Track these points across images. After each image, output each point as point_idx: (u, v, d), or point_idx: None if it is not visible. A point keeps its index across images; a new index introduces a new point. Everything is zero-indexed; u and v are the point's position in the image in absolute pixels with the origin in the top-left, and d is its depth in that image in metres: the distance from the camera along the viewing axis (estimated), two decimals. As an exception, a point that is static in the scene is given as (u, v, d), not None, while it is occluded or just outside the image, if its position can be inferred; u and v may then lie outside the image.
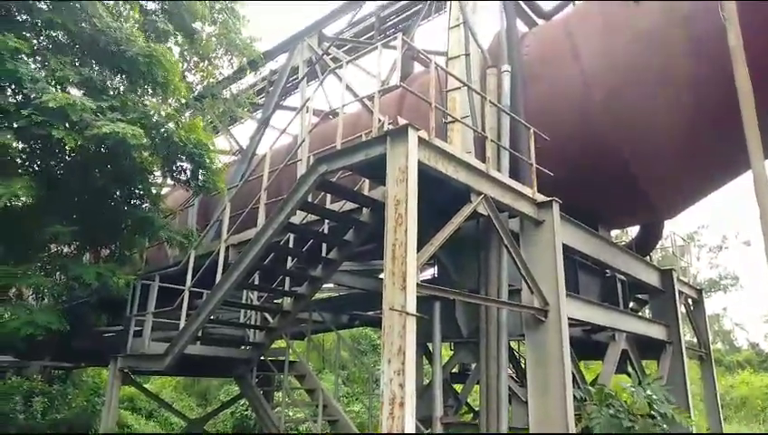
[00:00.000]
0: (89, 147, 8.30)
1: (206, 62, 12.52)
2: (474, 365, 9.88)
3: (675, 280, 10.30)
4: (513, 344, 10.30)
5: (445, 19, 9.50)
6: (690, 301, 12.11)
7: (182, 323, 8.30)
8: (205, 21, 11.37)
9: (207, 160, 9.76)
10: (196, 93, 12.65)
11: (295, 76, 12.97)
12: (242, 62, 12.67)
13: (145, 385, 16.33)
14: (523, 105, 8.36)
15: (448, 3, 9.33)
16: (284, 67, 12.88)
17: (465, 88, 7.97)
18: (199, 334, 8.78)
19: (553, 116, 8.33)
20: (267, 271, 8.84)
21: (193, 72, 12.76)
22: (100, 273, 8.97)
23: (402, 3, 12.55)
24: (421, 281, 5.47)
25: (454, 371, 11.20)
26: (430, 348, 7.60)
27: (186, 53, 11.87)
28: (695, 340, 12.85)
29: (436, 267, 8.60)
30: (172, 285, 9.25)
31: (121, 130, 7.77)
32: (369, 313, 13.07)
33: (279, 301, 9.81)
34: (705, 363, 12.20)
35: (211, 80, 12.98)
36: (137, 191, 10.14)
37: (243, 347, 9.99)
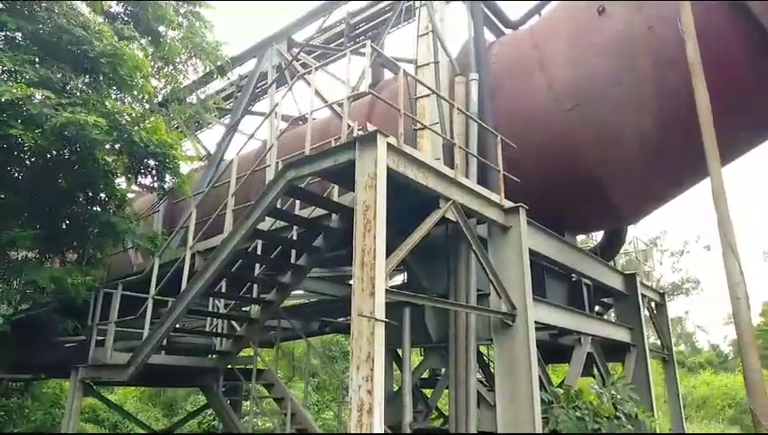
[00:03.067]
0: (49, 147, 8.03)
1: (171, 66, 12.30)
2: (443, 370, 9.92)
3: (638, 284, 10.57)
4: (483, 349, 10.39)
5: (414, 27, 9.59)
6: (653, 304, 12.44)
7: (146, 333, 8.10)
8: (170, 25, 11.19)
9: (172, 161, 9.55)
10: (160, 99, 12.41)
11: (264, 81, 12.87)
12: (208, 67, 12.49)
13: (108, 396, 15.85)
14: (491, 113, 8.49)
15: (417, 11, 9.41)
16: (253, 72, 12.76)
17: (434, 95, 8.05)
18: (164, 344, 8.58)
19: (521, 124, 8.47)
20: (234, 278, 8.71)
21: (157, 76, 12.52)
22: (56, 277, 8.64)
23: (372, 10, 12.62)
24: (391, 287, 5.48)
25: (424, 376, 11.22)
26: (400, 353, 7.59)
27: (150, 57, 11.64)
28: (658, 342, 13.22)
29: (405, 273, 8.62)
30: (136, 294, 9.01)
31: (81, 118, 7.51)
32: (340, 319, 13.00)
33: (247, 308, 9.66)
34: (667, 365, 12.53)
35: (176, 85, 12.76)
36: (101, 195, 9.86)
37: (209, 356, 9.80)
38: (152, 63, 11.88)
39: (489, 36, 10.39)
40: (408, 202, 5.99)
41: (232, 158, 8.84)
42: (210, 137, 63.79)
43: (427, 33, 9.02)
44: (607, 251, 11.27)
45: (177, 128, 14.26)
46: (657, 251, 35.43)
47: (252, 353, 10.48)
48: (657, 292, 12.84)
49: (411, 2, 9.80)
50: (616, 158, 8.33)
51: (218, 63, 12.20)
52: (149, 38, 10.93)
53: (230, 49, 12.50)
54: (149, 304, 8.25)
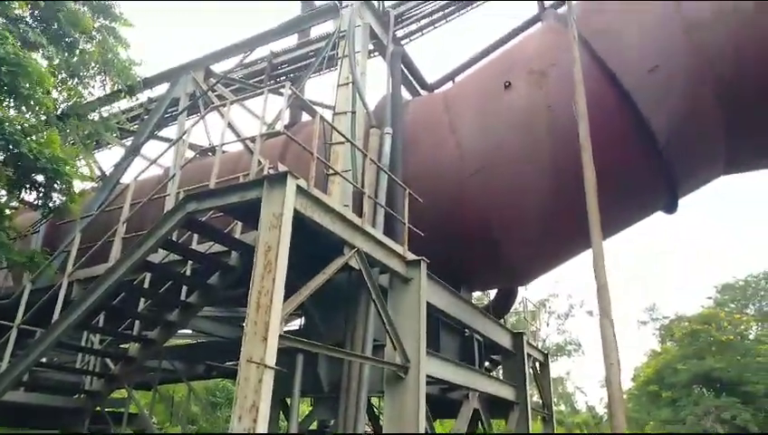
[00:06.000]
0: None
1: (76, 79, 11.53)
2: (333, 422, 9.64)
3: (525, 343, 11.07)
4: (375, 400, 10.27)
5: (335, 75, 9.80)
6: (538, 364, 13.05)
7: (4, 365, 7.16)
8: (85, 32, 10.53)
9: (63, 178, 8.79)
10: (60, 111, 11.52)
11: (175, 108, 12.42)
12: (117, 86, 11.86)
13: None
14: (402, 167, 8.76)
15: (340, 61, 9.65)
16: (164, 97, 12.30)
17: (349, 144, 8.17)
18: (25, 379, 7.63)
19: (429, 180, 8.81)
20: (115, 312, 8.02)
21: (60, 88, 11.67)
22: None
23: (296, 53, 12.76)
24: (286, 332, 5.29)
25: (312, 427, 10.82)
26: (289, 402, 7.29)
27: (55, 67, 10.84)
28: (540, 401, 13.81)
29: (303, 318, 8.42)
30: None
31: None
32: (228, 363, 12.32)
33: (125, 346, 8.88)
34: (547, 424, 13.08)
35: (79, 99, 11.95)
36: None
37: (76, 396, 8.82)
38: (57, 74, 11.07)
39: (406, 94, 10.86)
40: (312, 246, 5.92)
41: (129, 182, 8.32)
42: (108, 158, 59.94)
43: (348, 84, 9.24)
44: (499, 309, 11.78)
45: (74, 144, 13.26)
46: (546, 312, 37.67)
47: (126, 395, 9.60)
48: (541, 352, 13.51)
49: (335, 51, 10.05)
50: (512, 221, 8.85)
51: (128, 83, 11.63)
52: (61, 44, 10.19)
53: (145, 69, 12.03)
54: (13, 332, 7.35)
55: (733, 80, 7.80)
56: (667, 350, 35.70)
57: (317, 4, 11.75)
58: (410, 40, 12.65)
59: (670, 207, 9.36)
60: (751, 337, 33.79)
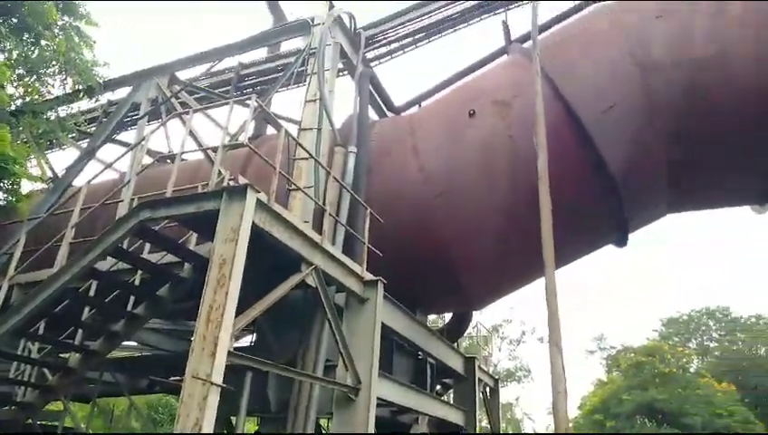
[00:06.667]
0: None
1: (34, 76, 11.13)
2: (279, 442, 9.40)
3: (476, 368, 11.16)
4: (323, 421, 10.09)
5: (303, 91, 9.80)
6: (488, 389, 13.15)
7: (-75, 373, 6.71)
8: (48, 30, 10.19)
9: (11, 177, 8.42)
10: (14, 108, 11.05)
11: (136, 112, 12.13)
12: (77, 85, 11.51)
13: None
14: (365, 186, 8.78)
15: (309, 77, 9.67)
16: (126, 100, 11.99)
17: (313, 160, 8.15)
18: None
19: (391, 201, 8.85)
20: (57, 319, 7.65)
21: (16, 84, 11.22)
22: None
23: (264, 66, 12.73)
24: (236, 348, 5.17)
25: (256, 447, 10.53)
26: (234, 422, 7.08)
27: (13, 62, 10.42)
28: (488, 426, 13.88)
29: (255, 334, 8.24)
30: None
31: None
32: (174, 378, 11.88)
33: (65, 356, 8.46)
34: (494, 450, 13.14)
35: (36, 96, 11.52)
36: None
37: (7, 407, 8.31)
38: (14, 69, 10.64)
39: (373, 115, 10.95)
40: (269, 261, 5.84)
41: (81, 186, 8.03)
42: (62, 159, 57.80)
43: (315, 100, 9.25)
44: (453, 333, 11.85)
45: (26, 143, 12.73)
46: (498, 338, 38.12)
47: (62, 408, 9.12)
48: (492, 377, 13.64)
49: (304, 68, 10.06)
50: (470, 246, 8.97)
51: (89, 84, 11.30)
52: (21, 39, 9.82)
53: (109, 71, 11.73)
54: (-62, 338, 6.89)
55: (680, 123, 8.21)
56: (612, 380, 36.65)
57: (289, 19, 11.77)
58: (380, 62, 12.80)
59: (620, 242, 9.69)
60: (692, 370, 35.11)
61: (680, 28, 8.33)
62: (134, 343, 10.86)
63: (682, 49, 8.21)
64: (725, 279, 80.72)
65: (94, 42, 11.17)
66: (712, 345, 43.46)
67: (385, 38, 12.53)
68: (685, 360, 34.14)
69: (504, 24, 11.29)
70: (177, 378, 11.74)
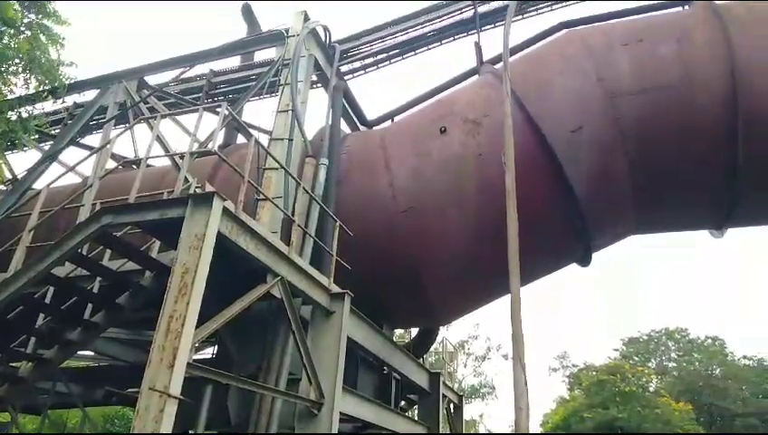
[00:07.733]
0: None
1: (-5, 74, 10.75)
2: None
3: (441, 384, 11.16)
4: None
5: (275, 101, 9.75)
6: (452, 405, 13.15)
7: None
8: (9, 26, 9.88)
9: None
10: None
11: (102, 116, 11.86)
12: (41, 85, 11.18)
13: None
14: (335, 199, 8.75)
15: (282, 88, 9.63)
16: (92, 103, 11.73)
17: (283, 170, 8.09)
18: None
19: (360, 214, 8.84)
20: (9, 326, 7.33)
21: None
22: None
23: (237, 75, 12.63)
24: (196, 360, 5.05)
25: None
26: (192, 436, 6.88)
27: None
28: (452, 443, 13.84)
29: (216, 346, 8.06)
30: None
31: None
32: (130, 390, 11.49)
33: (16, 364, 8.11)
34: (457, 466, 13.12)
35: (-6, 95, 11.13)
36: None
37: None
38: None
39: (345, 128, 10.97)
40: (234, 270, 5.74)
41: (41, 188, 7.78)
42: (23, 161, 55.92)
43: (287, 111, 9.21)
44: (419, 348, 11.84)
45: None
46: (464, 354, 38.24)
47: (9, 419, 8.70)
48: (457, 393, 13.65)
49: (277, 78, 10.03)
50: (436, 261, 9.01)
51: (54, 84, 10.99)
52: None
53: (77, 72, 11.44)
54: None
55: (643, 148, 8.48)
56: (574, 398, 37.12)
57: (263, 29, 11.75)
58: (354, 76, 12.87)
59: (584, 261, 9.89)
60: (651, 389, 35.85)
61: (646, 53, 8.65)
62: (90, 353, 10.47)
63: (647, 74, 8.50)
64: (687, 297, 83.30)
65: (63, 39, 10.88)
66: (670, 365, 44.59)
67: (359, 53, 12.63)
68: (645, 379, 34.86)
69: (477, 44, 11.51)
70: (135, 389, 11.42)
